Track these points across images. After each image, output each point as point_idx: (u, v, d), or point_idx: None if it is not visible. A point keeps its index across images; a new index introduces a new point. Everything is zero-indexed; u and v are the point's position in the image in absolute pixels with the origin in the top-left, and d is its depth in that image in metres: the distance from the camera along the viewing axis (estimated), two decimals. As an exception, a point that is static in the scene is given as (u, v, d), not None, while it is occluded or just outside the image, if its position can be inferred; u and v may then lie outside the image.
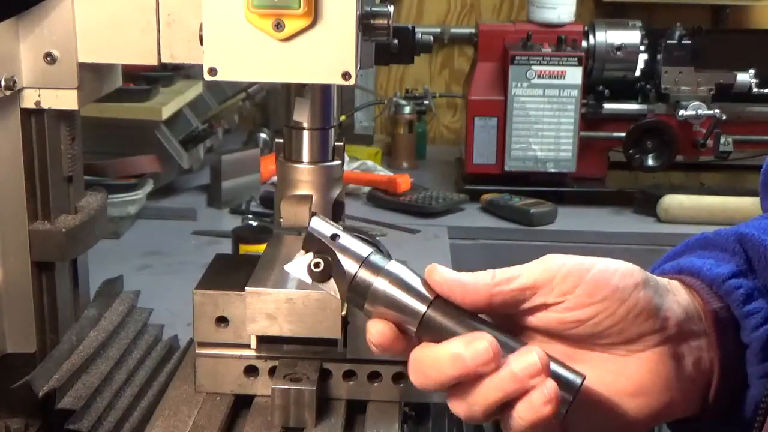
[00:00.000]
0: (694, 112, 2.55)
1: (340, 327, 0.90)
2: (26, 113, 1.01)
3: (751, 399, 0.77)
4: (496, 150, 2.55)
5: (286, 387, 0.88)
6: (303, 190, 1.04)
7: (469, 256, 2.32)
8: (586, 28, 2.61)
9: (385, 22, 0.95)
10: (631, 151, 2.56)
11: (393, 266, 0.74)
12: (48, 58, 0.98)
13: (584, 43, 2.58)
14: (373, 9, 0.95)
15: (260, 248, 1.48)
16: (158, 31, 0.98)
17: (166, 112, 2.33)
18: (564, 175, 2.56)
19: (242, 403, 0.94)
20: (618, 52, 2.57)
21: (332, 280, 0.75)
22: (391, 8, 0.96)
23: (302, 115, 1.02)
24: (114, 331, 1.11)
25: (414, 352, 0.72)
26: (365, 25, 0.94)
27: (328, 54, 0.90)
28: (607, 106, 2.63)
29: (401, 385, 0.93)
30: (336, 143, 1.06)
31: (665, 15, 3.04)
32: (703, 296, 0.78)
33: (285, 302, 0.89)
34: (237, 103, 2.73)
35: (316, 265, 0.75)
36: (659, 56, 2.62)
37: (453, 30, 3.18)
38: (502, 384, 0.69)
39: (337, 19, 0.89)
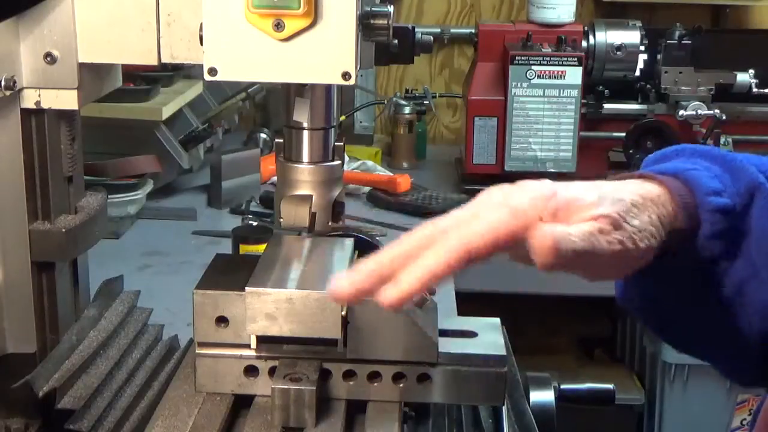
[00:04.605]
0: (694, 112, 2.55)
1: (340, 327, 0.90)
2: (26, 113, 1.01)
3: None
4: (496, 150, 2.55)
5: (286, 387, 0.88)
6: (303, 190, 1.04)
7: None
8: (586, 28, 2.61)
9: (385, 22, 0.95)
10: (631, 151, 2.56)
11: None
12: (48, 58, 0.98)
13: (584, 43, 2.58)
14: (373, 9, 0.95)
15: (260, 248, 1.48)
16: (158, 31, 0.98)
17: (166, 112, 2.33)
18: (564, 175, 2.56)
19: (242, 403, 0.94)
20: (618, 52, 2.57)
21: None
22: (391, 8, 0.96)
23: (302, 115, 1.02)
24: (114, 331, 1.11)
25: None
26: (365, 25, 0.94)
27: (328, 54, 0.90)
28: (607, 106, 2.63)
29: (401, 385, 0.93)
30: (336, 143, 1.06)
31: (665, 15, 3.04)
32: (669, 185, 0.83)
33: (285, 302, 0.89)
34: (237, 103, 2.73)
35: None
36: (659, 56, 2.62)
37: (453, 30, 3.18)
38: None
39: (337, 19, 0.89)
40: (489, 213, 0.76)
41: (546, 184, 0.80)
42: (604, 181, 0.84)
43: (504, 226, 0.75)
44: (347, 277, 0.77)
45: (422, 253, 0.76)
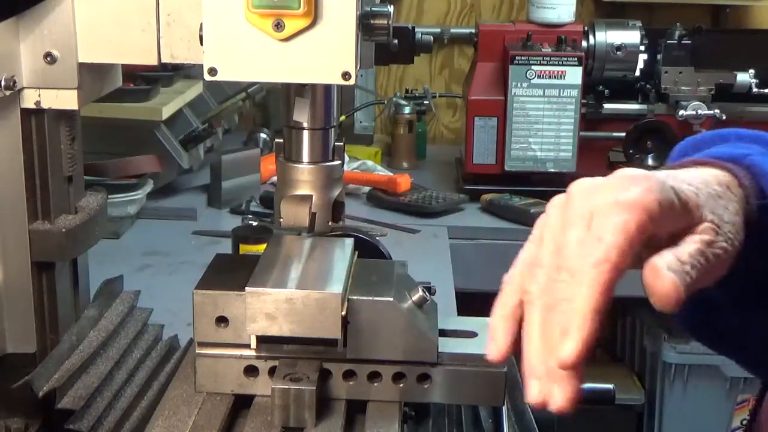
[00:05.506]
0: (694, 112, 2.55)
1: (340, 327, 0.90)
2: (26, 113, 1.01)
3: None
4: (496, 150, 2.55)
5: (286, 387, 0.88)
6: (303, 190, 1.04)
7: (469, 256, 2.32)
8: (586, 28, 2.61)
9: (385, 22, 0.95)
10: (631, 151, 2.56)
11: None
12: (48, 58, 0.98)
13: (584, 43, 2.58)
14: (373, 9, 0.95)
15: (260, 248, 1.48)
16: (158, 31, 0.98)
17: (166, 112, 2.33)
18: (564, 175, 2.55)
19: (242, 403, 0.94)
20: (618, 52, 2.57)
21: None
22: (391, 8, 0.96)
23: (302, 115, 1.02)
24: (114, 331, 1.11)
25: None
26: (365, 25, 0.94)
27: (328, 54, 0.90)
28: (607, 106, 2.63)
29: (401, 385, 0.93)
30: (336, 143, 1.06)
31: (665, 15, 3.04)
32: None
33: (285, 302, 0.89)
34: (237, 103, 2.73)
35: None
36: (659, 56, 2.62)
37: (453, 30, 3.18)
38: None
39: (337, 19, 0.89)
40: (610, 217, 0.65)
41: (638, 172, 0.71)
42: (672, 170, 0.74)
43: (633, 224, 0.64)
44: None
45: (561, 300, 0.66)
